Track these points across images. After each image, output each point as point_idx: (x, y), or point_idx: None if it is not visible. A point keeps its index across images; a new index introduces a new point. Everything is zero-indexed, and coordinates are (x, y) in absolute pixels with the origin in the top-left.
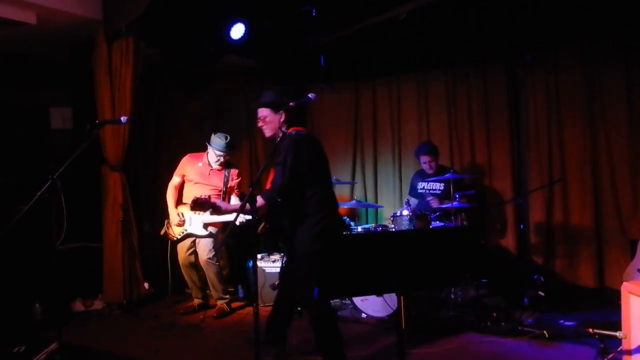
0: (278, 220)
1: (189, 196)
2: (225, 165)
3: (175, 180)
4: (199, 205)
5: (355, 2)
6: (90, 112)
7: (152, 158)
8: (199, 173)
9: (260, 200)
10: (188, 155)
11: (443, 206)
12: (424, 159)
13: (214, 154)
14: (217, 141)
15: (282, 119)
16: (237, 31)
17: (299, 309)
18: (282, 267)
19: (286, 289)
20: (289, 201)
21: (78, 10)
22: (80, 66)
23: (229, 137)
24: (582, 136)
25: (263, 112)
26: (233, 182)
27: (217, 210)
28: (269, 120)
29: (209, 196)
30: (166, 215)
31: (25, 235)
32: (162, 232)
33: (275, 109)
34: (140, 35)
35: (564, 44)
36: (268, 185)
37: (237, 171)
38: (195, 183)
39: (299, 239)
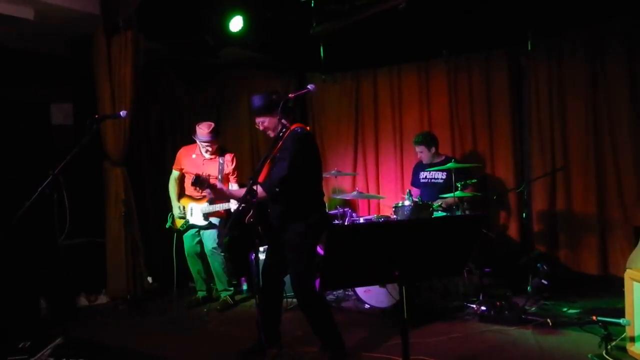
0: (264, 214)
1: (189, 188)
2: (219, 152)
3: (175, 173)
4: (199, 182)
5: None
6: (91, 107)
7: (156, 152)
8: (193, 164)
9: (260, 191)
10: (183, 147)
11: (445, 196)
12: (417, 148)
13: (201, 145)
14: (200, 132)
15: (279, 117)
16: (236, 24)
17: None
18: (264, 265)
19: (271, 285)
20: (284, 194)
21: (76, 5)
22: (81, 62)
23: (212, 125)
24: (585, 124)
25: (259, 119)
26: (229, 169)
27: (215, 191)
28: (267, 125)
29: (209, 175)
30: (170, 208)
31: (28, 231)
32: (167, 225)
33: (269, 112)
34: (139, 29)
35: (566, 31)
36: (262, 177)
37: (231, 155)
38: (192, 175)
39: (294, 230)
